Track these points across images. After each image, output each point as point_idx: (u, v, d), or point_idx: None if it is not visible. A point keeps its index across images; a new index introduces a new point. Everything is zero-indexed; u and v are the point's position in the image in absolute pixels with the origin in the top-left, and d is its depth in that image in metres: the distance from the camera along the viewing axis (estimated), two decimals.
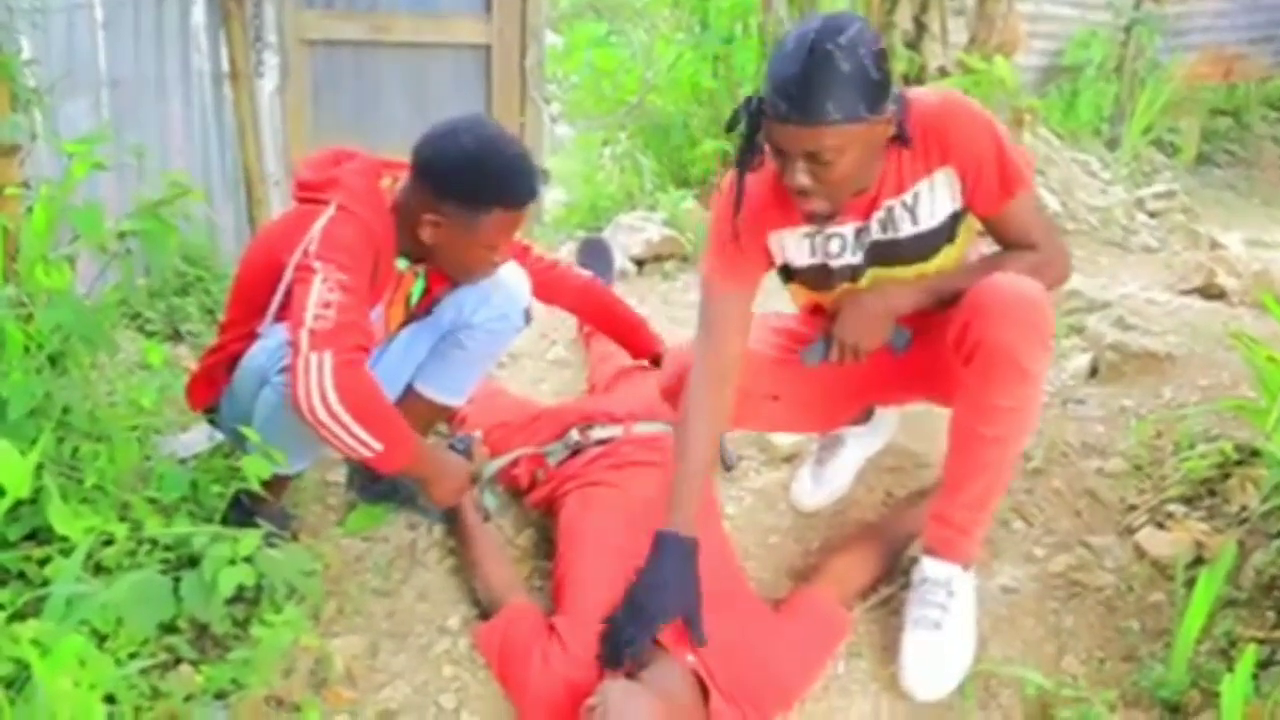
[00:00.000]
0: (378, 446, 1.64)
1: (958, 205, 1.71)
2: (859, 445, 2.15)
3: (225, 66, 3.84)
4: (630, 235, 3.60)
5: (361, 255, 1.70)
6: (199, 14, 3.72)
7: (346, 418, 1.59)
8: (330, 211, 1.72)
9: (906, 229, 1.71)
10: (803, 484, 2.12)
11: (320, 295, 1.61)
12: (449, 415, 2.21)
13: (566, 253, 3.35)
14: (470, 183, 1.75)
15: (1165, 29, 6.36)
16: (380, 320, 1.88)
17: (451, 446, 1.93)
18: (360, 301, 1.68)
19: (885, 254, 1.75)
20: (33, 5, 2.33)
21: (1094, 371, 2.55)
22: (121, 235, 2.02)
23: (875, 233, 1.73)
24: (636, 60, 4.49)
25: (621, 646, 1.60)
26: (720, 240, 1.77)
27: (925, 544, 1.78)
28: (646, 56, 4.47)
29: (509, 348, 2.48)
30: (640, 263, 3.54)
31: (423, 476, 1.80)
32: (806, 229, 1.75)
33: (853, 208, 1.69)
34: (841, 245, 1.76)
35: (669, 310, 3.19)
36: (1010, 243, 1.74)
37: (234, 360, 1.83)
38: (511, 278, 2.00)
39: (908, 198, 1.69)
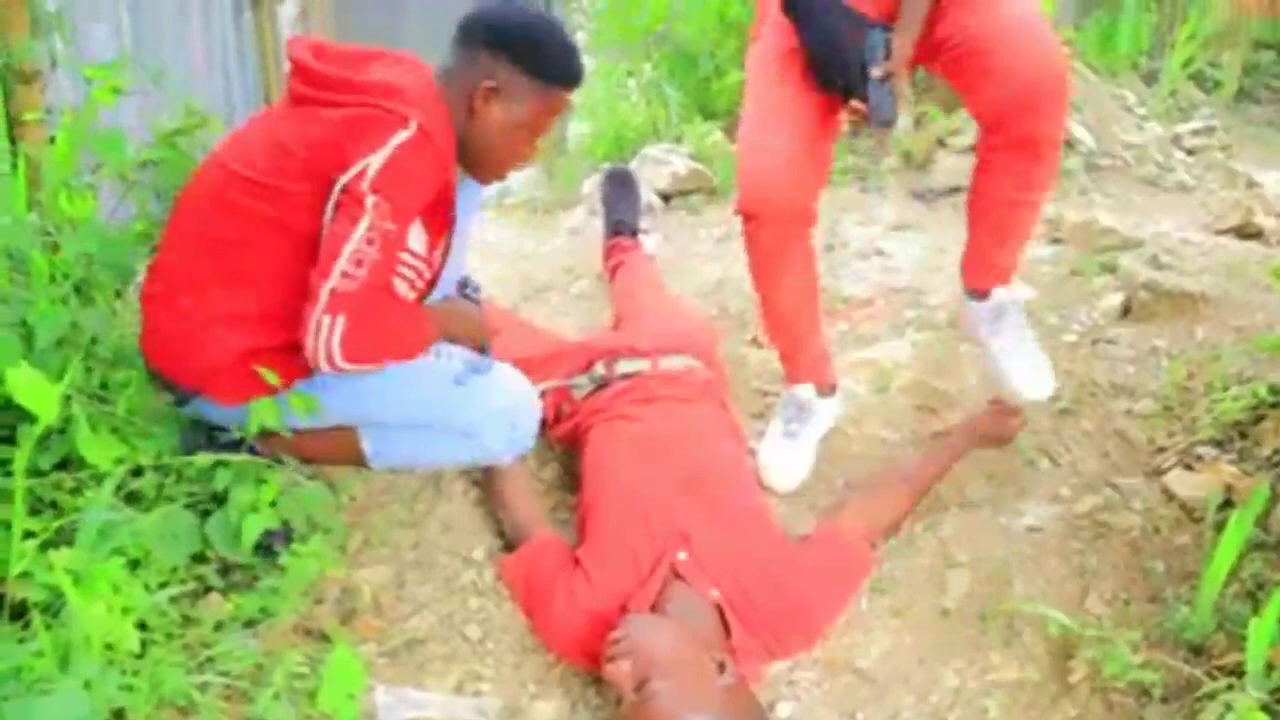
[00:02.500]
0: (392, 364, 1.67)
1: None
2: (828, 413, 2.12)
3: None
4: (656, 169, 3.54)
5: (422, 191, 1.62)
6: None
7: (353, 369, 1.61)
8: (407, 134, 1.56)
9: None
10: (776, 463, 2.06)
11: (357, 247, 1.54)
12: None
13: (590, 185, 3.31)
14: (537, 48, 1.68)
15: None
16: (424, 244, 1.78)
17: (466, 296, 1.92)
18: (395, 255, 1.61)
19: None
20: None
21: (1126, 311, 2.51)
22: (142, 164, 2.02)
23: None
24: None
25: (849, 75, 1.76)
26: None
27: (987, 285, 2.03)
28: None
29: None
30: (666, 197, 3.48)
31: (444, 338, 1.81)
32: None
33: None
34: None
35: (694, 244, 3.16)
36: None
37: None
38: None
39: None
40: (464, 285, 1.93)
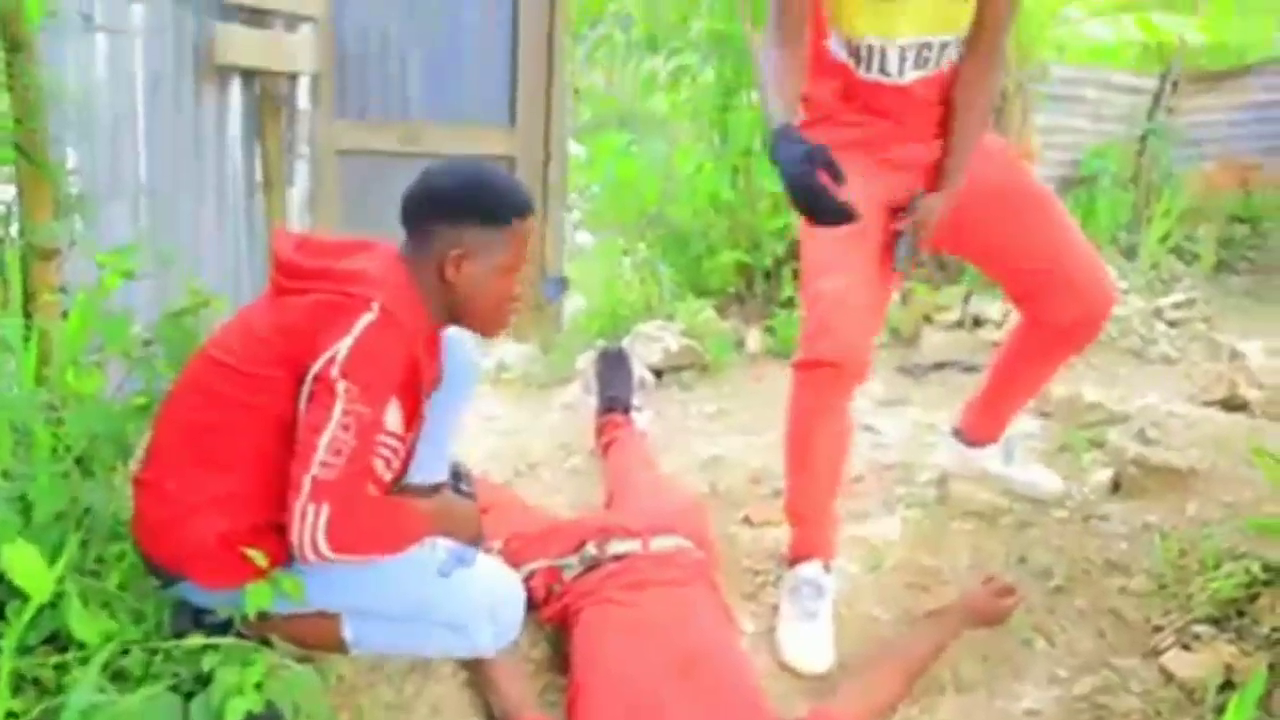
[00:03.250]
0: (382, 558, 1.65)
1: None
2: (832, 588, 2.13)
3: (259, 176, 3.95)
4: (648, 345, 3.62)
5: (392, 371, 1.64)
6: (235, 125, 3.84)
7: (338, 558, 1.58)
8: (371, 316, 1.59)
9: None
10: (805, 646, 2.03)
11: (333, 435, 1.55)
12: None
13: (585, 361, 3.38)
14: (483, 199, 1.72)
15: (1180, 139, 6.49)
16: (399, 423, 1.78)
17: (457, 490, 1.91)
18: (372, 438, 1.61)
19: None
20: (82, 120, 2.43)
21: (1116, 486, 2.53)
22: (147, 343, 2.08)
23: None
24: (656, 171, 4.59)
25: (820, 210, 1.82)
26: None
27: (998, 435, 2.51)
28: (666, 167, 4.58)
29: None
30: (659, 373, 3.55)
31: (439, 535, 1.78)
32: None
33: None
34: None
35: (686, 420, 3.20)
36: (985, 19, 2.02)
37: None
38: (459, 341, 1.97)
39: None
40: (456, 476, 1.95)
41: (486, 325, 1.83)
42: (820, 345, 1.96)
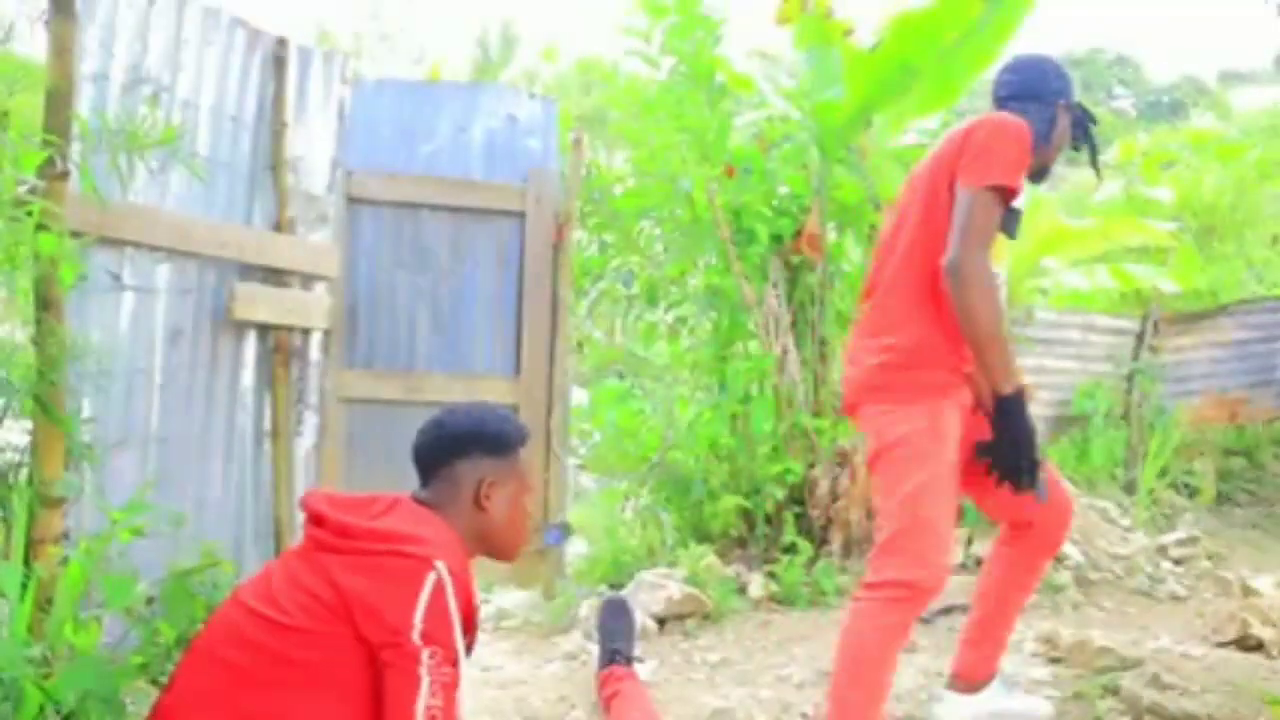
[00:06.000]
0: None
1: None
2: None
3: (267, 425, 4.02)
4: (651, 593, 3.60)
5: (460, 630, 1.65)
6: (249, 376, 3.95)
7: None
8: (436, 577, 1.63)
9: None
10: None
11: (428, 705, 1.54)
12: None
13: (587, 608, 3.34)
14: (492, 433, 1.89)
15: (1165, 376, 6.65)
16: None
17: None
18: (455, 694, 1.60)
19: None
20: (100, 371, 2.51)
21: None
22: (149, 601, 2.07)
23: None
24: (657, 418, 4.69)
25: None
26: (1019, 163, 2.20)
27: (998, 666, 2.50)
28: (667, 415, 4.68)
29: None
30: (661, 621, 3.52)
31: None
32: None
33: None
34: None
35: (690, 670, 3.13)
36: None
37: None
38: None
39: None
40: None
41: (510, 548, 1.93)
42: (919, 573, 2.10)
